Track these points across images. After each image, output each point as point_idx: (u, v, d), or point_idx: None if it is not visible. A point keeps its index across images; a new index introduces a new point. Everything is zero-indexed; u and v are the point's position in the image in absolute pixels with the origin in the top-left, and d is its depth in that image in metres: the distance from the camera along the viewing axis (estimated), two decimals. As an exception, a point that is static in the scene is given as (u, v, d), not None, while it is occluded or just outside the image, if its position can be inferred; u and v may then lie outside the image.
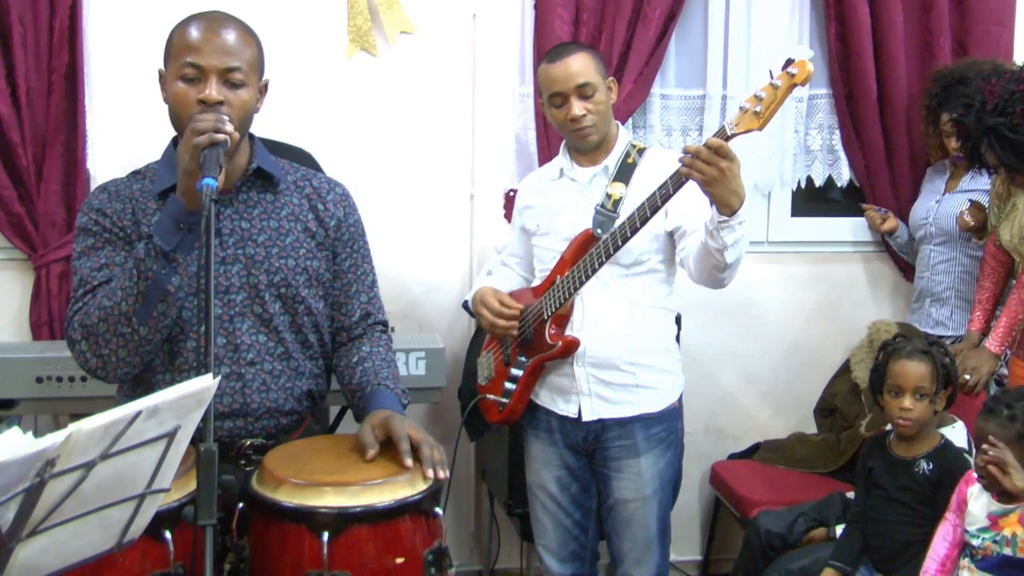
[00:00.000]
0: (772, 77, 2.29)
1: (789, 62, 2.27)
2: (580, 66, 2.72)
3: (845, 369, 4.04)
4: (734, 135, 2.35)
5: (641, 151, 2.81)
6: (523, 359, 2.84)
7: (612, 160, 2.80)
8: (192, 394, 1.49)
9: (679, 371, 2.91)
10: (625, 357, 2.77)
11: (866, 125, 4.04)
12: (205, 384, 1.51)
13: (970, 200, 3.69)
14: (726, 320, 4.12)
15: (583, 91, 2.72)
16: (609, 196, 2.74)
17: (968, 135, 3.39)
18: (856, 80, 4.01)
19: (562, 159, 2.90)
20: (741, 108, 2.35)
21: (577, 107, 2.71)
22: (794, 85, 2.28)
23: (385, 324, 2.47)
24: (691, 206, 2.64)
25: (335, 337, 2.41)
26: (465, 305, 3.83)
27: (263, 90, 2.27)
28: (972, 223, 3.65)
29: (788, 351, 4.27)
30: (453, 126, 3.91)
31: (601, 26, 3.82)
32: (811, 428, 4.16)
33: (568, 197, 2.84)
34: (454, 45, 3.87)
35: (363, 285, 2.41)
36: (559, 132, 2.87)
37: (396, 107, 3.85)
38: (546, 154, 3.84)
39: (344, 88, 3.80)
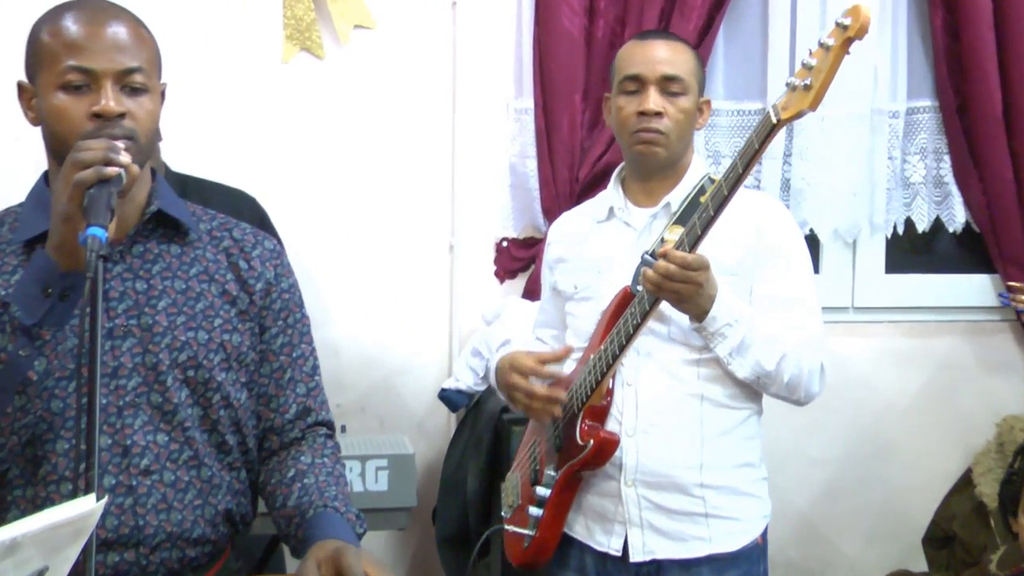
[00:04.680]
0: (823, 37, 2.32)
1: (845, 11, 2.30)
2: (676, 55, 2.76)
3: (966, 482, 4.01)
4: (782, 122, 2.37)
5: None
6: (552, 473, 2.80)
7: (678, 195, 2.79)
8: (66, 523, 1.46)
9: (765, 494, 2.87)
10: (692, 475, 2.73)
11: (987, 148, 4.06)
12: (85, 508, 1.48)
13: None
14: (796, 413, 4.09)
15: (669, 85, 2.73)
16: (664, 243, 2.72)
17: None
18: (973, 88, 4.03)
19: (612, 194, 2.88)
20: (788, 85, 2.36)
21: (655, 100, 2.73)
22: (849, 40, 2.28)
23: (330, 425, 2.45)
24: (770, 274, 2.71)
25: (263, 442, 2.38)
26: (443, 394, 3.83)
27: (162, 97, 2.28)
28: None
29: (883, 456, 4.26)
30: (427, 153, 3.94)
31: (624, 17, 3.86)
32: (919, 564, 4.12)
33: (619, 247, 2.82)
34: (428, 45, 3.91)
35: (301, 372, 2.39)
36: (618, 139, 2.85)
37: (349, 128, 3.88)
38: (551, 190, 3.86)
39: (278, 103, 3.83)
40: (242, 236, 2.39)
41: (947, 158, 4.17)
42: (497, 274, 4.00)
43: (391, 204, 3.93)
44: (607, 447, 2.70)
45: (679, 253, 2.45)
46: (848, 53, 2.31)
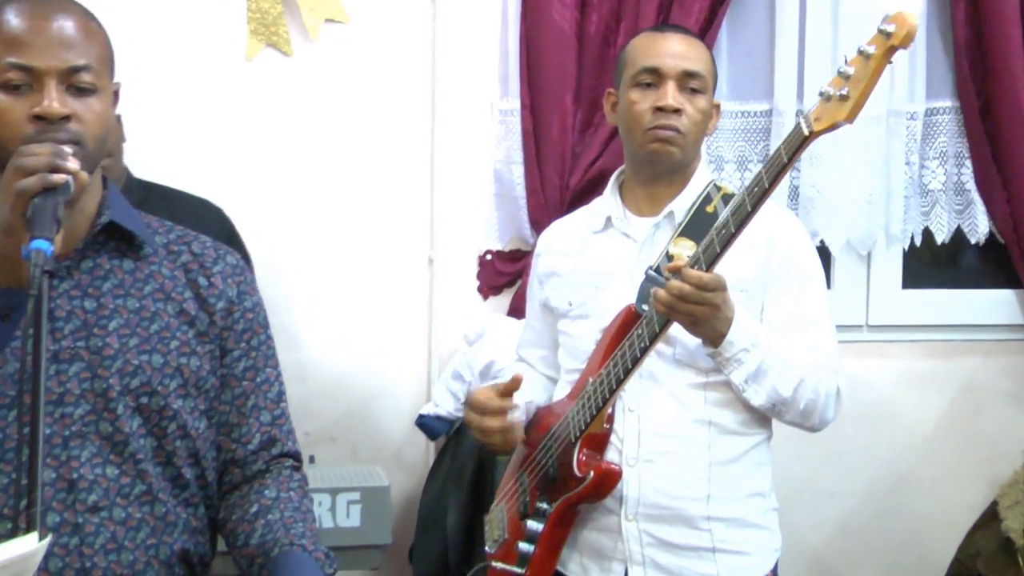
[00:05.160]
0: (863, 45, 2.31)
1: (888, 16, 2.29)
2: (696, 51, 2.77)
3: (991, 516, 4.00)
4: (814, 134, 2.37)
5: (728, 197, 2.79)
6: (544, 506, 2.79)
7: (682, 204, 2.79)
8: (5, 564, 1.45)
9: (776, 526, 2.87)
10: (699, 507, 2.72)
11: (1013, 152, 4.06)
12: (26, 549, 1.47)
13: None
14: (807, 443, 4.09)
15: (689, 82, 2.73)
16: (670, 257, 2.71)
17: None
18: (997, 87, 4.04)
19: (610, 201, 2.88)
20: (821, 94, 2.36)
21: (675, 95, 2.73)
22: (893, 49, 2.27)
23: (297, 456, 2.44)
24: (783, 293, 2.72)
25: (223, 475, 2.37)
26: (421, 421, 3.82)
27: (115, 98, 2.27)
28: None
29: (901, 488, 4.26)
30: (404, 159, 3.94)
31: (619, 11, 3.87)
32: (941, 604, 4.14)
33: (619, 261, 2.81)
34: (406, 40, 3.91)
35: (265, 398, 2.38)
36: (627, 137, 2.83)
37: (320, 131, 3.88)
38: (540, 198, 3.86)
39: (242, 103, 3.83)
40: (202, 250, 2.38)
41: (969, 163, 4.18)
42: (480, 290, 4.00)
43: (365, 214, 3.92)
44: (608, 479, 2.68)
45: (695, 272, 2.43)
46: (891, 63, 2.30)
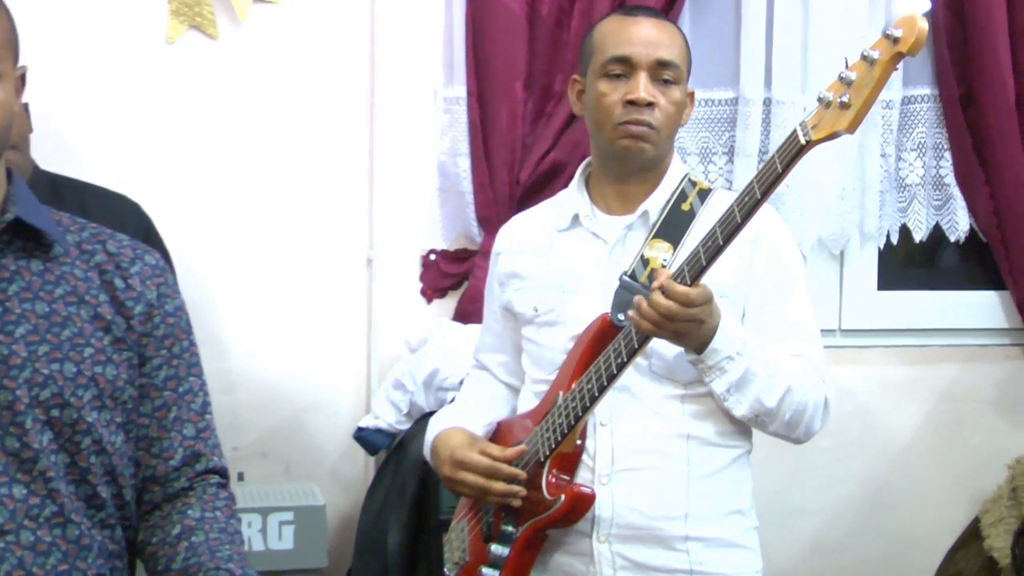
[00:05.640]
0: (865, 48, 2.31)
1: (896, 19, 2.29)
2: (670, 38, 2.76)
3: (973, 535, 4.04)
4: (812, 143, 2.37)
5: (704, 193, 2.81)
6: (510, 529, 2.78)
7: (656, 203, 2.78)
8: None
9: (757, 545, 2.88)
10: (676, 527, 2.73)
11: (996, 144, 4.10)
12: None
13: None
14: (779, 456, 4.10)
15: (663, 72, 2.72)
16: (645, 261, 2.74)
17: None
18: (980, 74, 4.08)
19: (576, 198, 2.87)
20: (820, 100, 2.35)
21: (647, 88, 2.72)
22: (899, 56, 2.28)
23: (224, 473, 2.44)
24: (767, 298, 2.73)
25: (143, 494, 2.36)
26: (360, 435, 3.82)
27: (20, 84, 2.26)
28: None
29: (877, 505, 4.28)
30: (341, 151, 3.93)
31: (575, -8, 3.87)
32: (920, 628, 4.16)
33: (588, 263, 2.81)
34: (342, 22, 3.91)
35: (188, 410, 2.38)
36: (595, 131, 2.82)
37: (248, 121, 3.87)
38: (488, 193, 3.86)
39: (163, 90, 3.80)
40: (118, 250, 2.37)
41: (948, 155, 4.21)
42: (424, 292, 4.00)
43: (298, 211, 3.92)
44: (580, 504, 2.68)
45: (681, 288, 2.43)
46: (896, 69, 2.30)
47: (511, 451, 2.76)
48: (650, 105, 2.69)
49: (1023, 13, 4.04)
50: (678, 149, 3.98)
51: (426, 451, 2.94)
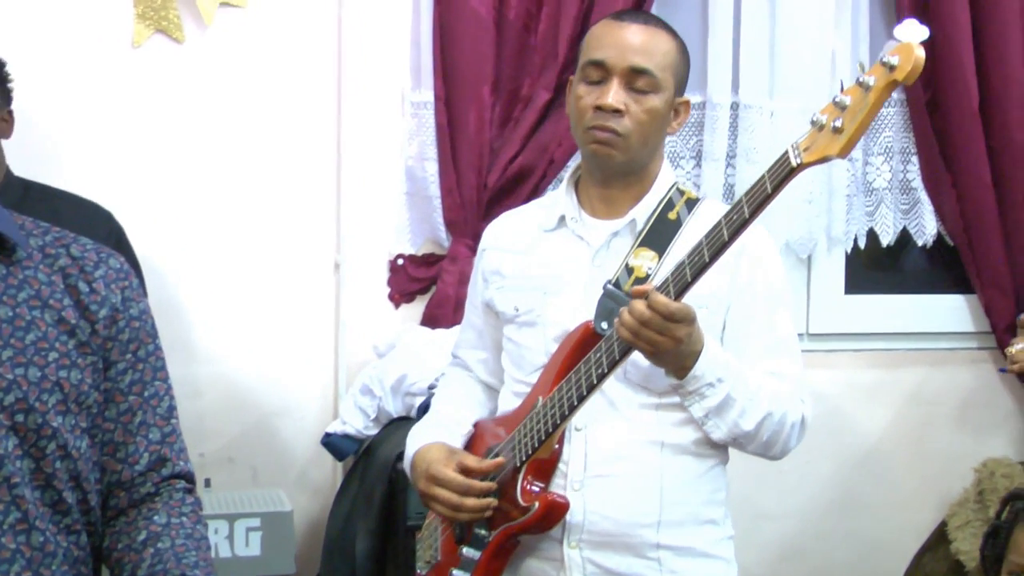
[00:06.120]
0: (862, 72, 2.31)
1: (892, 46, 2.27)
2: (654, 45, 2.74)
3: (940, 538, 4.05)
4: (803, 165, 2.36)
5: (692, 203, 2.80)
6: (482, 532, 2.78)
7: (643, 211, 2.78)
8: None
9: (731, 556, 2.90)
10: (648, 534, 2.72)
11: (962, 148, 4.12)
12: None
13: None
14: (744, 460, 4.10)
15: (636, 80, 2.71)
16: (630, 269, 2.73)
17: None
18: (946, 79, 4.10)
19: (564, 199, 2.86)
20: (814, 123, 2.34)
21: (617, 95, 2.71)
22: (895, 84, 2.26)
23: (191, 478, 2.42)
24: (750, 312, 2.72)
25: (108, 499, 2.34)
26: (327, 440, 3.80)
27: None
28: None
29: (844, 509, 4.29)
30: (308, 155, 3.92)
31: (541, -1, 3.88)
32: (887, 632, 4.17)
33: (570, 265, 2.80)
34: (309, 26, 3.90)
35: (154, 414, 2.36)
36: (573, 133, 2.83)
37: (215, 125, 3.85)
38: (456, 198, 3.86)
39: (130, 95, 3.79)
40: (82, 253, 2.35)
41: (915, 159, 4.23)
42: (391, 297, 3.99)
43: (266, 216, 3.91)
44: (554, 512, 2.68)
45: (663, 300, 2.41)
46: (890, 99, 2.30)
47: (488, 463, 2.75)
48: (618, 112, 2.69)
49: (987, 18, 4.05)
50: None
51: (406, 465, 2.92)
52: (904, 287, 4.41)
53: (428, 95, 3.89)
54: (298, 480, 3.94)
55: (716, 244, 2.43)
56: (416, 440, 2.90)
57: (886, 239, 4.25)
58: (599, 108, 2.69)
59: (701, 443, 2.75)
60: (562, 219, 2.83)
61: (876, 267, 4.40)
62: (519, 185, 3.87)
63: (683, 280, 2.46)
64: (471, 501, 2.72)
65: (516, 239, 2.91)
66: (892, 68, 2.23)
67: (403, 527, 3.48)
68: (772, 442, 2.70)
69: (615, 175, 2.77)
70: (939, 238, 4.25)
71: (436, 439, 2.87)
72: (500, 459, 2.75)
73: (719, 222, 2.43)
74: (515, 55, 3.87)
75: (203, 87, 3.83)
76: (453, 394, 3.05)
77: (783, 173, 2.36)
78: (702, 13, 4.08)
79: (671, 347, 2.46)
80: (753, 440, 2.68)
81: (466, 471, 2.75)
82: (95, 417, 2.31)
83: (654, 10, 3.95)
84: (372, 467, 3.68)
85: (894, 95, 4.14)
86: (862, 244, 4.26)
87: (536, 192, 3.88)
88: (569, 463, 2.71)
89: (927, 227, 4.24)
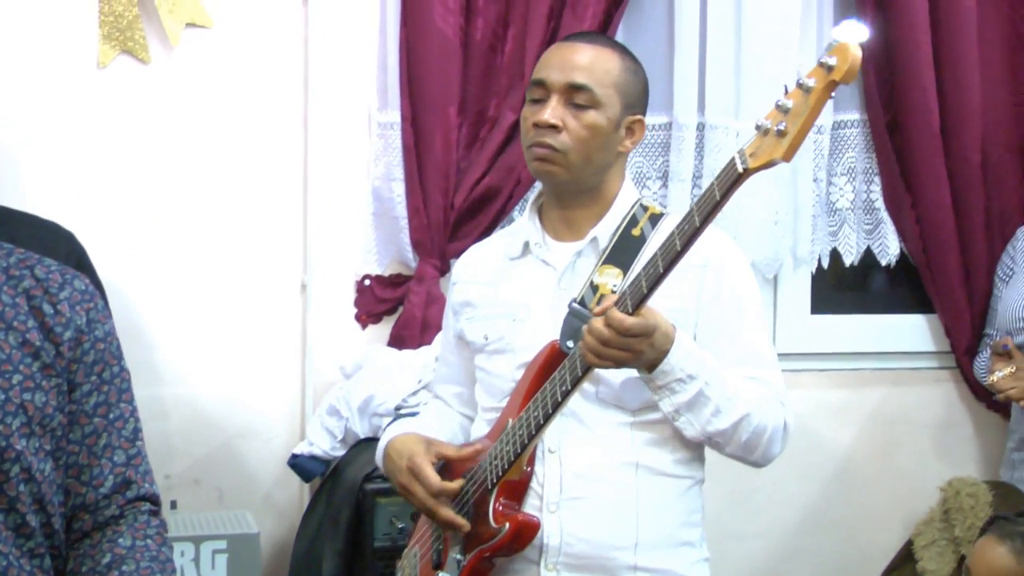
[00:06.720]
0: (801, 76, 2.32)
1: (831, 46, 2.29)
2: (596, 62, 2.75)
3: (906, 557, 4.05)
4: (749, 171, 2.37)
5: (656, 218, 2.81)
6: (458, 557, 2.77)
7: (606, 229, 2.78)
8: None
9: (706, 575, 2.92)
10: (625, 556, 2.72)
11: (922, 169, 4.14)
12: None
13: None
14: (711, 480, 4.08)
15: (575, 95, 2.71)
16: (595, 287, 2.72)
17: None
18: (906, 100, 4.12)
19: (528, 226, 2.87)
20: (758, 128, 2.35)
21: (554, 111, 2.71)
22: (834, 84, 2.28)
23: (156, 500, 2.41)
24: (720, 323, 2.72)
25: (72, 522, 2.33)
26: (294, 462, 3.79)
27: None
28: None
29: (811, 528, 4.30)
30: (275, 176, 3.91)
31: (507, 17, 3.88)
32: (853, 651, 4.17)
33: (537, 290, 2.81)
34: (275, 47, 3.89)
35: (119, 436, 2.35)
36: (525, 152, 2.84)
37: (181, 146, 3.83)
38: (422, 218, 3.85)
39: (95, 115, 3.77)
40: (46, 275, 2.34)
41: (878, 180, 4.25)
42: (358, 318, 3.98)
43: (232, 236, 3.89)
44: (525, 532, 2.68)
45: (618, 316, 2.42)
46: (831, 97, 2.30)
47: (467, 451, 2.76)
48: (554, 128, 2.70)
49: (947, 40, 4.08)
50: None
51: (378, 457, 2.92)
52: (868, 307, 4.43)
53: (395, 115, 3.88)
54: (265, 502, 3.92)
55: (670, 254, 2.44)
56: (390, 434, 2.91)
57: (849, 259, 4.27)
58: (536, 125, 2.71)
59: (677, 463, 2.76)
60: (526, 245, 2.84)
61: (841, 287, 4.41)
62: (486, 206, 3.87)
63: (639, 293, 2.46)
64: (445, 511, 2.72)
65: (484, 270, 2.92)
66: (831, 69, 2.25)
67: (370, 548, 3.48)
68: (752, 445, 2.69)
69: (571, 195, 2.79)
70: (903, 257, 4.27)
71: (411, 430, 2.88)
72: (478, 445, 2.76)
73: (672, 232, 2.44)
74: (481, 76, 3.88)
75: (169, 108, 3.82)
76: (431, 415, 3.06)
77: (731, 180, 2.37)
78: (668, 34, 4.08)
79: (630, 360, 2.48)
80: (730, 441, 2.67)
81: (445, 462, 2.77)
82: (59, 439, 2.29)
83: (620, 32, 3.97)
84: (339, 488, 3.67)
85: (855, 113, 4.20)
86: (826, 264, 4.27)
87: (503, 212, 3.89)
88: (545, 485, 2.71)
89: (890, 247, 4.26)
